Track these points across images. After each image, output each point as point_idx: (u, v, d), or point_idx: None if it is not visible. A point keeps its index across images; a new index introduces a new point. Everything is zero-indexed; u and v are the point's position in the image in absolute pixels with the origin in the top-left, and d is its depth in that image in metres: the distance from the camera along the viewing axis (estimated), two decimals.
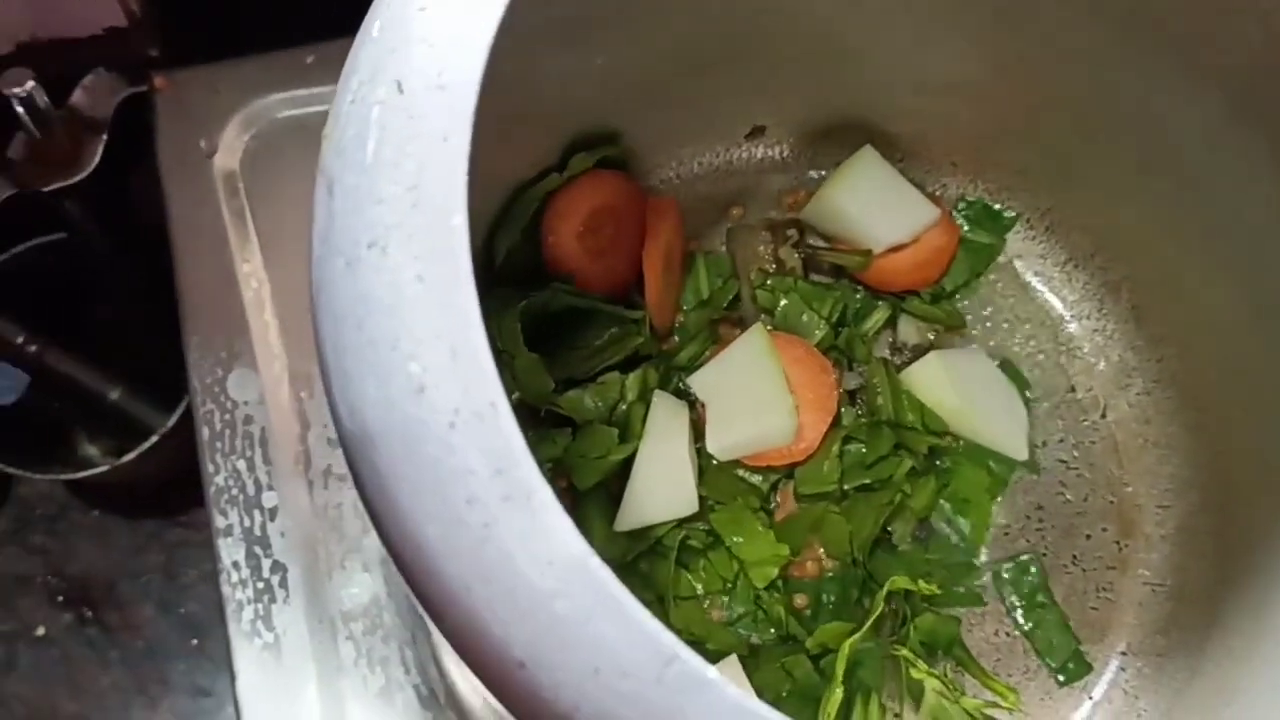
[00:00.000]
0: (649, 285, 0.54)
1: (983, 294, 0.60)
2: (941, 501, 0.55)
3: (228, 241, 0.65)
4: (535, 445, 0.52)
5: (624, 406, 0.53)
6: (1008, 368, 0.58)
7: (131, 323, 0.81)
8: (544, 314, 0.52)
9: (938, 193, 0.61)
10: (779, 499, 0.54)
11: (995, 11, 0.51)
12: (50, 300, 0.76)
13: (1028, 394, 0.58)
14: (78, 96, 0.68)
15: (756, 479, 0.54)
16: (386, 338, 0.29)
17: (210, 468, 0.60)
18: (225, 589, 0.57)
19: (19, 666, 0.81)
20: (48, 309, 0.75)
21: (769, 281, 0.58)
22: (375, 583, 0.58)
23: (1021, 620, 0.54)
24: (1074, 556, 0.55)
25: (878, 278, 0.58)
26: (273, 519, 0.59)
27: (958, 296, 0.60)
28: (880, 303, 0.59)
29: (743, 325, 0.57)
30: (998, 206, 0.61)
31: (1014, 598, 0.54)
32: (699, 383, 0.54)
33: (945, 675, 0.51)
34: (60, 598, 0.83)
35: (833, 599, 0.52)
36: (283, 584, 0.58)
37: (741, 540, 0.51)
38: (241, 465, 0.60)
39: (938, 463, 0.56)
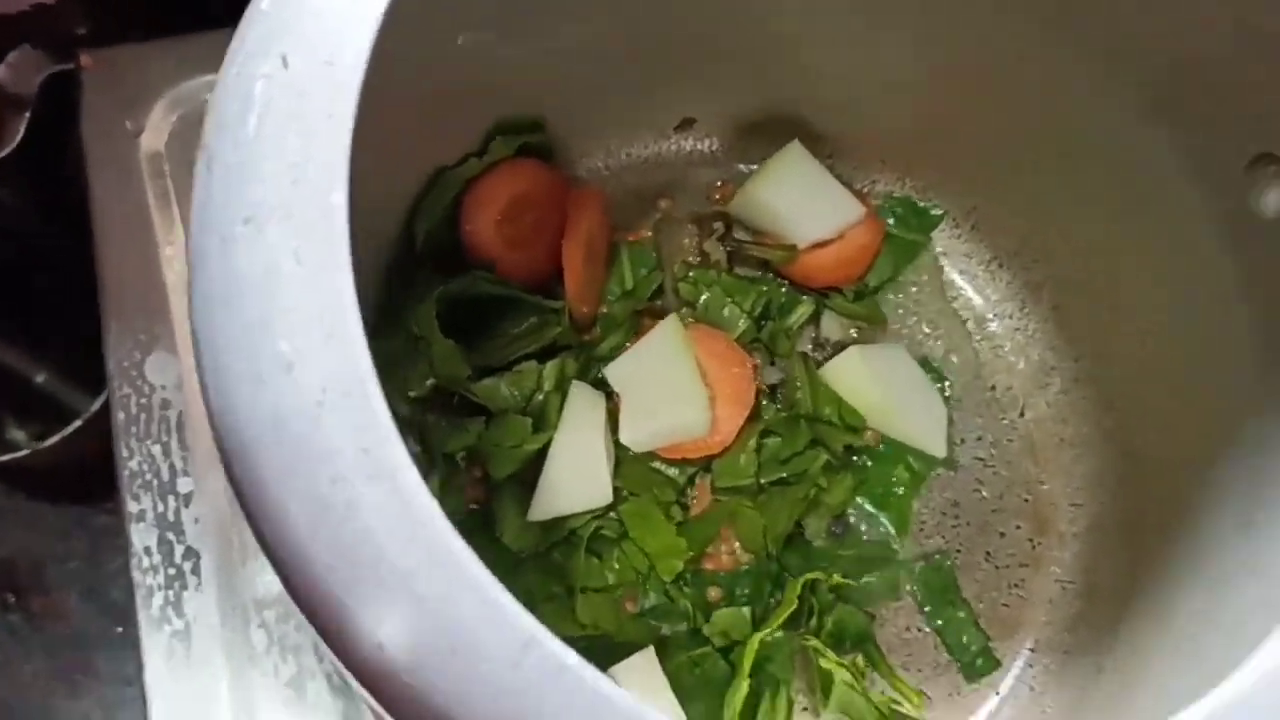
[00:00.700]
0: (569, 276, 0.54)
1: (907, 291, 0.60)
2: (859, 498, 0.55)
3: (151, 223, 0.64)
4: (449, 433, 0.52)
5: (540, 396, 0.52)
6: (928, 365, 0.59)
7: (58, 304, 0.79)
8: (462, 300, 0.52)
9: (865, 189, 0.61)
10: (695, 492, 0.54)
11: (924, 11, 0.51)
12: None
13: (947, 391, 0.58)
14: (1, 73, 0.67)
15: (673, 471, 0.54)
16: (259, 316, 0.29)
17: (124, 452, 0.59)
18: (136, 575, 0.57)
19: None
20: None
21: (692, 274, 0.58)
22: None
23: (931, 617, 0.54)
24: (988, 553, 0.56)
25: (802, 273, 0.58)
26: (187, 505, 0.58)
27: (882, 292, 0.60)
28: (804, 298, 0.59)
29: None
30: (924, 204, 0.61)
31: (925, 595, 0.54)
32: (614, 374, 0.54)
33: (855, 665, 0.51)
34: None
35: (746, 592, 0.52)
36: (195, 570, 0.57)
37: (645, 533, 0.51)
38: (157, 450, 0.59)
39: (855, 459, 0.56)
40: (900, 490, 0.56)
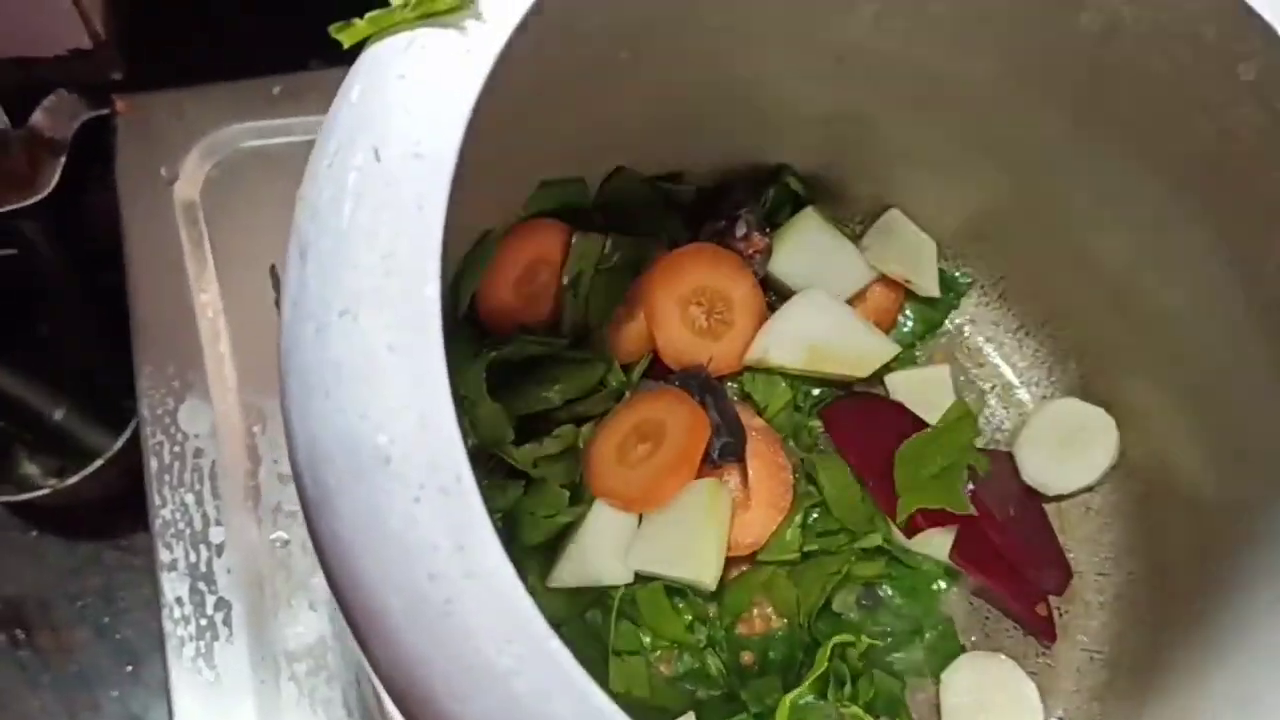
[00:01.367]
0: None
1: (933, 358, 0.61)
2: (887, 587, 0.56)
3: (185, 270, 0.64)
4: (486, 494, 0.53)
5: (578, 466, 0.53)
6: None
7: (79, 343, 0.80)
8: (509, 362, 0.52)
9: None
10: None
11: (965, 100, 0.52)
12: None
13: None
14: (38, 117, 0.67)
15: None
16: (355, 406, 0.29)
17: (157, 500, 0.59)
18: (167, 625, 0.57)
19: None
20: None
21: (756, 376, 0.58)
22: (321, 622, 0.57)
23: None
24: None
25: None
26: (219, 555, 0.58)
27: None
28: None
29: None
30: (955, 273, 0.62)
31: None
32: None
33: None
34: None
35: (779, 657, 0.53)
36: (226, 621, 0.57)
37: (659, 622, 0.52)
38: (189, 499, 0.59)
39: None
40: (930, 586, 0.56)
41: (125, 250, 0.64)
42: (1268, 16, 0.40)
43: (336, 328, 0.30)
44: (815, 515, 0.54)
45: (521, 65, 0.35)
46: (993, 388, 0.61)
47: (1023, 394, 0.61)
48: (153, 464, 0.60)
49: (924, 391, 0.58)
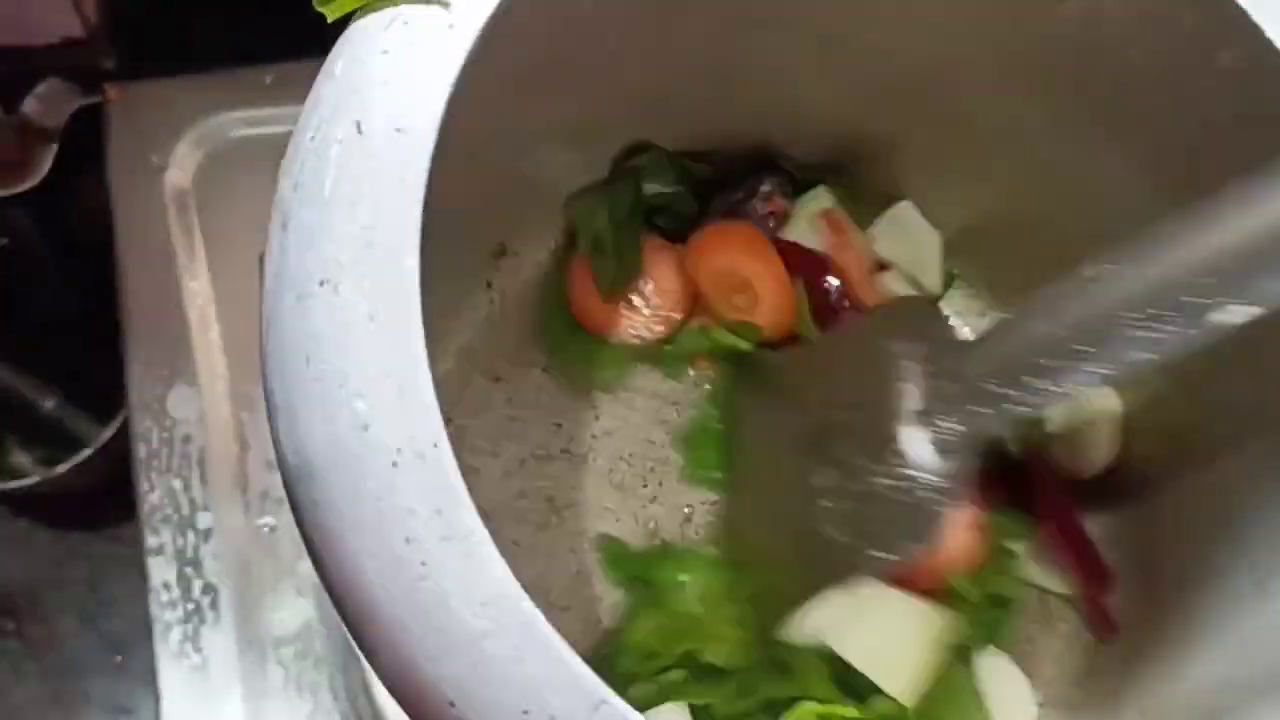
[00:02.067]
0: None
1: None
2: None
3: (175, 258, 0.65)
4: None
5: None
6: None
7: (69, 332, 0.80)
8: None
9: None
10: None
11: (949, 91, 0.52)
12: None
13: None
14: (30, 105, 0.68)
15: None
16: (334, 374, 0.29)
17: (145, 485, 0.60)
18: (154, 609, 0.57)
19: None
20: None
21: None
22: (308, 608, 0.58)
23: None
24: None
25: None
26: (206, 540, 0.59)
27: None
28: None
29: None
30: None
31: None
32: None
33: None
34: None
35: None
36: (213, 606, 0.57)
37: None
38: (177, 484, 0.60)
39: None
40: None
41: (116, 238, 0.65)
42: (1243, 3, 0.40)
43: (317, 297, 0.30)
44: None
45: (509, 41, 0.35)
46: None
47: None
48: (141, 450, 0.60)
49: None
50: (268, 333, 0.31)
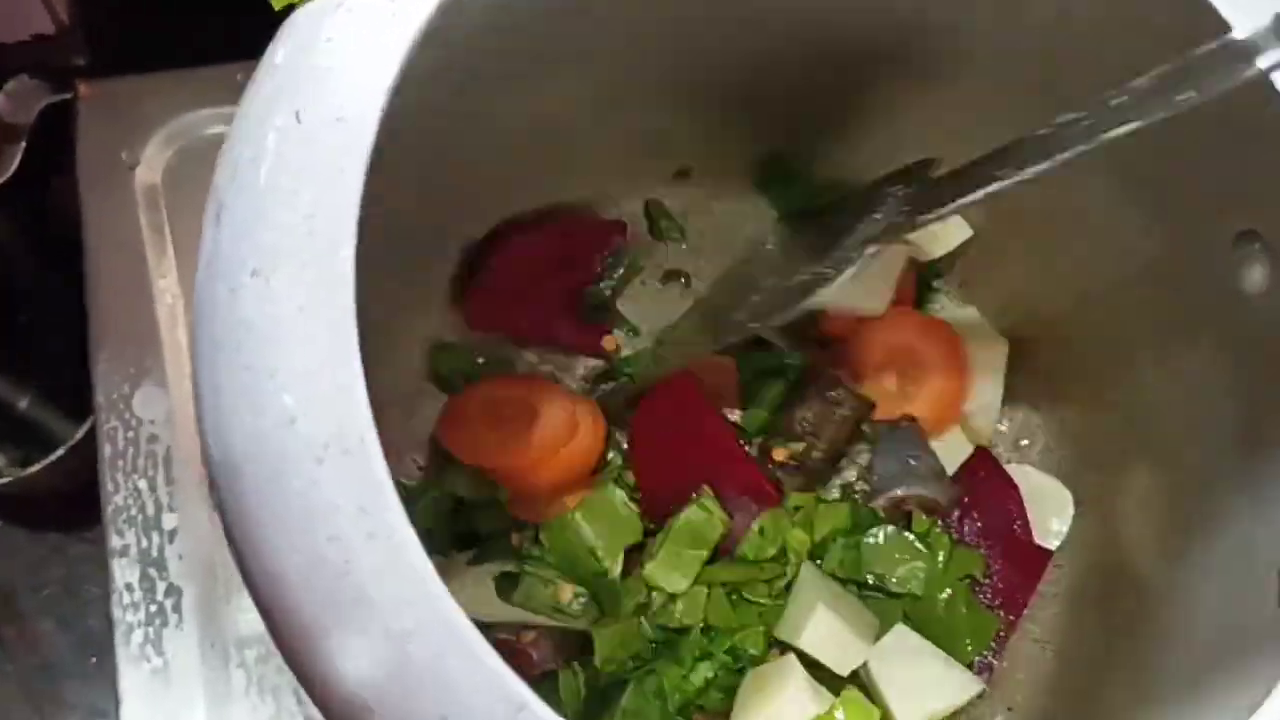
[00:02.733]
0: None
1: None
2: None
3: (144, 256, 0.64)
4: None
5: None
6: None
7: (44, 331, 0.79)
8: None
9: None
10: None
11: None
12: None
13: None
14: None
15: None
16: (263, 366, 0.29)
17: (110, 486, 0.59)
18: (116, 611, 0.56)
19: None
20: None
21: None
22: None
23: None
24: None
25: None
26: (171, 541, 0.58)
27: None
28: None
29: None
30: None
31: None
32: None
33: None
34: None
35: None
36: (176, 608, 0.57)
37: None
38: (143, 485, 0.59)
39: None
40: None
41: (85, 235, 0.64)
42: (1215, 1, 0.39)
43: (249, 288, 0.30)
44: None
45: (453, 34, 0.34)
46: None
47: None
48: (107, 449, 0.60)
49: None
50: (198, 323, 0.30)
